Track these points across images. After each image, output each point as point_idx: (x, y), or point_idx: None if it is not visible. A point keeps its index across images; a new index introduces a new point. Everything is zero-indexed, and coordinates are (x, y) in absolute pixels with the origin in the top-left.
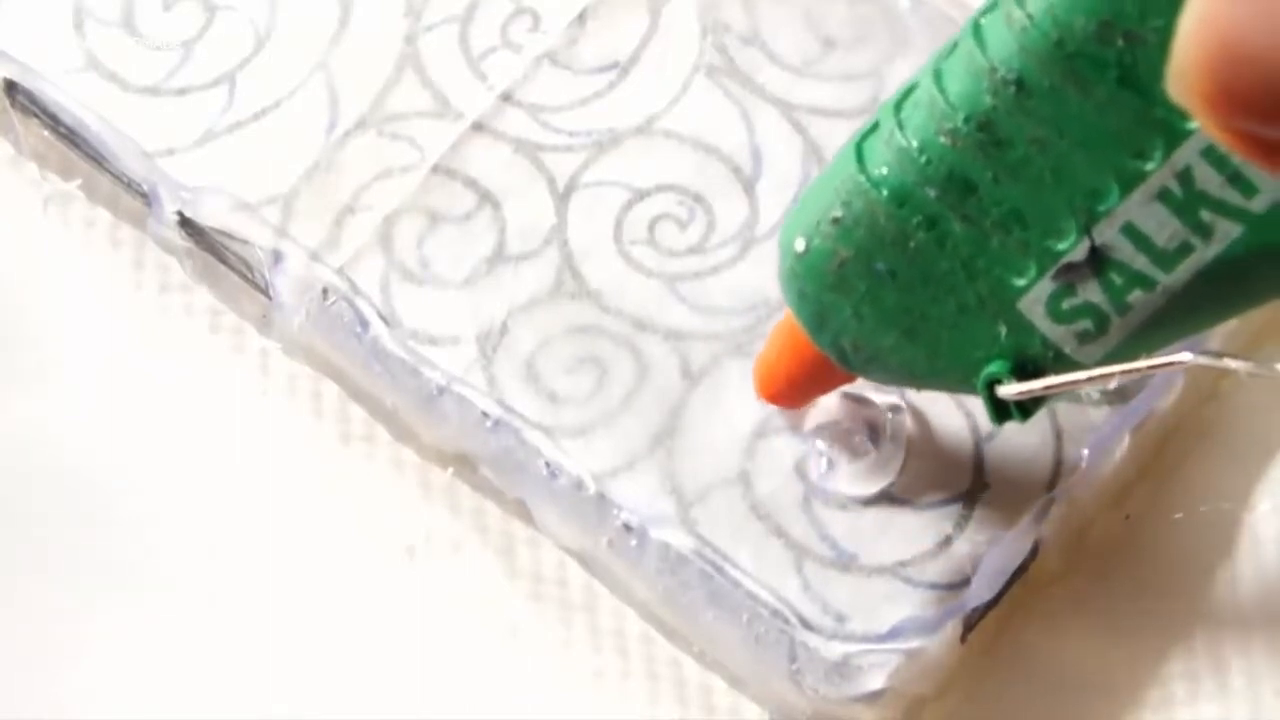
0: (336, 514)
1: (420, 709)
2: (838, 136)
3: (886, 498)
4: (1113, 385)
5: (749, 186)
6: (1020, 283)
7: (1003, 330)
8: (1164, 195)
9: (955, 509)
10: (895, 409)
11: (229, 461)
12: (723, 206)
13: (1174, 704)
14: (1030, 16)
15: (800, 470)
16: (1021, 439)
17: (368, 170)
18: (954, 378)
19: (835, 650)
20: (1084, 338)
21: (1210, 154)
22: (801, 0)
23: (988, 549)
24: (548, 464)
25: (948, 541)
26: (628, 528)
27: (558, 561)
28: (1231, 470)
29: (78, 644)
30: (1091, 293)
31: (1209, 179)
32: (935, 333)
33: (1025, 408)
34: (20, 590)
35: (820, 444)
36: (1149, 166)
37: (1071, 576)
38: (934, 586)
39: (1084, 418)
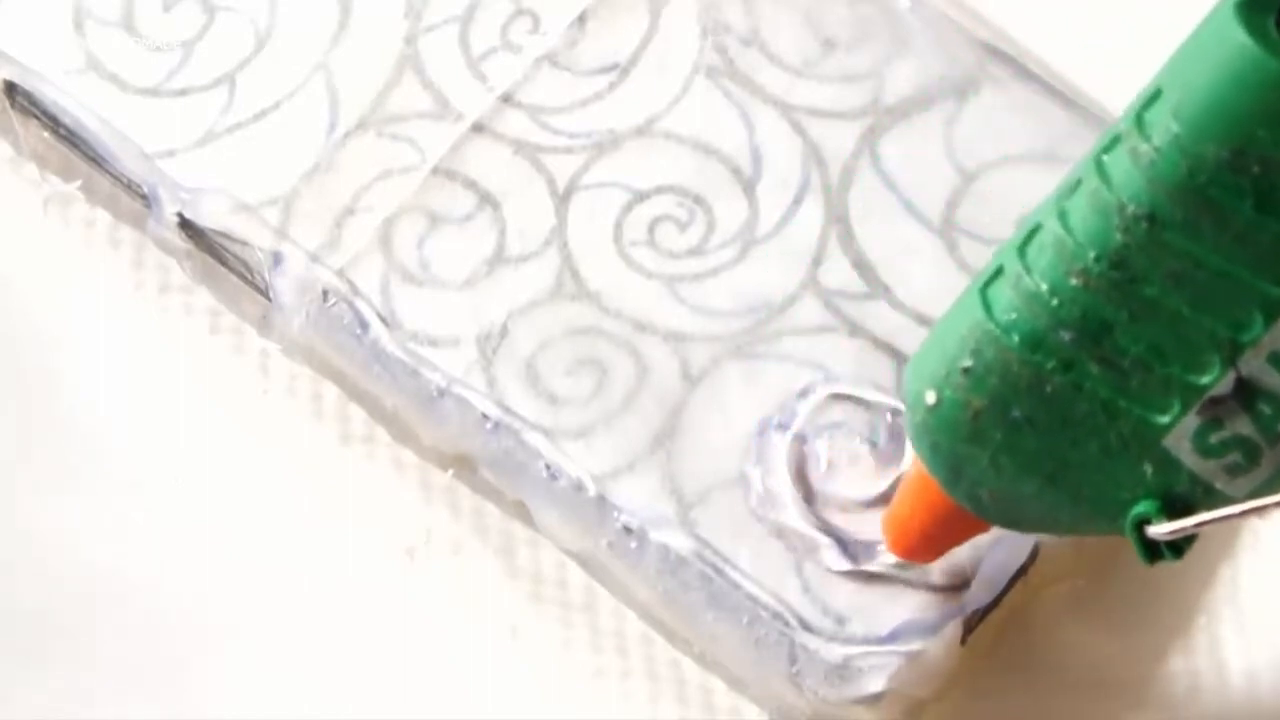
0: (337, 515)
1: (420, 709)
2: (837, 137)
3: (887, 500)
4: (1268, 517)
5: (749, 188)
6: (1164, 420)
7: (1148, 469)
8: None
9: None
10: (895, 411)
11: (229, 462)
12: (723, 208)
13: (1174, 703)
14: (1157, 149)
15: (800, 472)
16: None
17: (368, 171)
18: (1099, 521)
19: (835, 652)
20: (1234, 470)
21: None
22: (801, 1)
23: (988, 551)
24: (548, 465)
25: None
26: (628, 529)
27: (558, 562)
28: None
29: (72, 637)
30: (1240, 425)
31: None
32: (1078, 477)
33: (1177, 546)
34: (15, 594)
35: (820, 446)
36: None
37: (1072, 577)
38: (934, 589)
39: None
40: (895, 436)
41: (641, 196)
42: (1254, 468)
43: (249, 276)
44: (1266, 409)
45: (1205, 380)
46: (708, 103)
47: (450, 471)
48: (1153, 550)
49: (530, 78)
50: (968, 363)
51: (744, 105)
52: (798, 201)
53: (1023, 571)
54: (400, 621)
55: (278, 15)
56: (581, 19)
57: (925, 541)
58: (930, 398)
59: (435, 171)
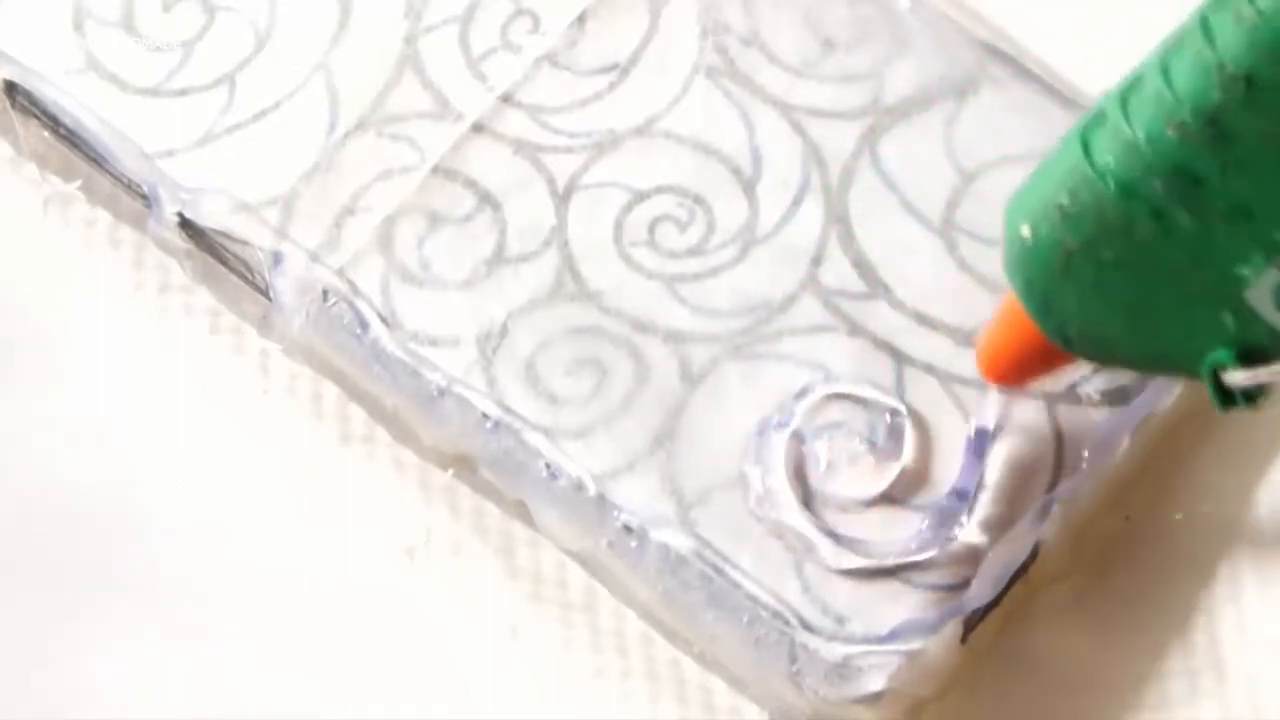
0: (337, 515)
1: (420, 709)
2: (837, 137)
3: (886, 499)
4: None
5: (749, 188)
6: (1247, 273)
7: (1229, 320)
8: None
9: (955, 510)
10: (894, 411)
11: (229, 462)
12: (722, 208)
13: (1173, 703)
14: (1261, 13)
15: (800, 472)
16: (1022, 440)
17: (368, 171)
18: (1178, 365)
19: (835, 651)
20: None
21: None
22: (801, 1)
23: (988, 550)
24: (548, 465)
25: (948, 543)
26: (628, 529)
27: (558, 562)
28: (1232, 470)
29: (76, 644)
30: None
31: None
32: (1160, 321)
33: (1251, 395)
34: (19, 591)
35: (820, 446)
36: None
37: (1072, 577)
38: (934, 588)
39: (1084, 418)
40: (894, 436)
41: (641, 196)
42: None
43: (249, 276)
44: None
45: None
46: (708, 103)
47: (450, 471)
48: (1227, 397)
49: (530, 78)
50: (1064, 202)
51: (744, 105)
52: (797, 201)
53: (1022, 571)
54: (400, 621)
55: (278, 15)
56: (581, 19)
57: (1016, 370)
58: (1026, 232)
59: (435, 171)
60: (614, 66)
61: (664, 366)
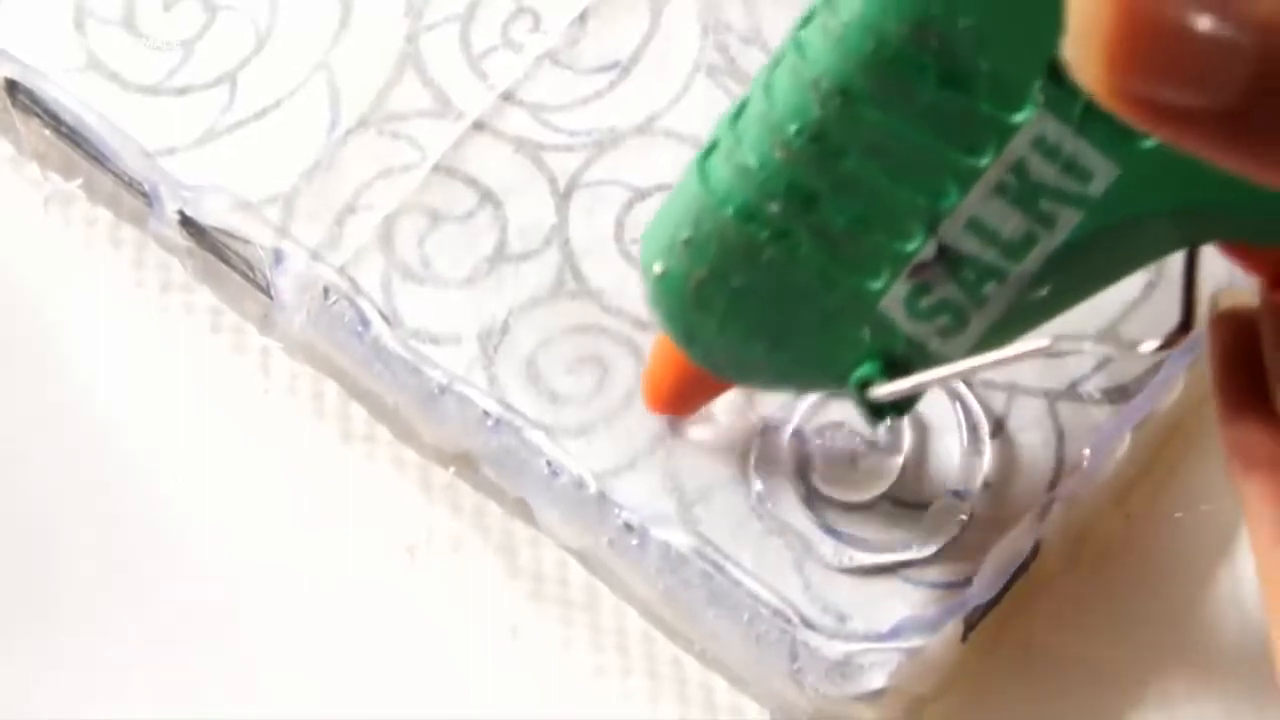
0: (338, 513)
1: (421, 707)
2: None
3: (887, 498)
4: (977, 376)
5: None
6: (876, 286)
7: (867, 333)
8: (1002, 189)
9: (956, 508)
10: None
11: (230, 460)
12: None
13: (1174, 701)
14: (845, 25)
15: (801, 471)
16: (1023, 439)
17: (369, 169)
18: (827, 381)
19: (836, 649)
20: (946, 333)
21: (1042, 145)
22: (802, 0)
23: (989, 548)
24: (549, 463)
25: (949, 541)
26: (629, 527)
27: (559, 560)
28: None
29: (75, 636)
30: (947, 289)
31: (1043, 170)
32: (801, 341)
33: (900, 405)
34: (22, 585)
35: (820, 445)
36: (983, 162)
37: (1072, 575)
38: (935, 585)
39: (1085, 417)
40: (894, 434)
41: (642, 194)
42: (964, 329)
43: (250, 274)
44: (970, 273)
45: (910, 247)
46: (708, 101)
47: (451, 469)
48: (876, 410)
49: (531, 76)
50: (687, 234)
51: None
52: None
53: (1023, 569)
54: (401, 619)
55: (278, 14)
56: (582, 17)
57: (677, 399)
58: (658, 268)
59: (436, 169)
60: (615, 65)
61: None
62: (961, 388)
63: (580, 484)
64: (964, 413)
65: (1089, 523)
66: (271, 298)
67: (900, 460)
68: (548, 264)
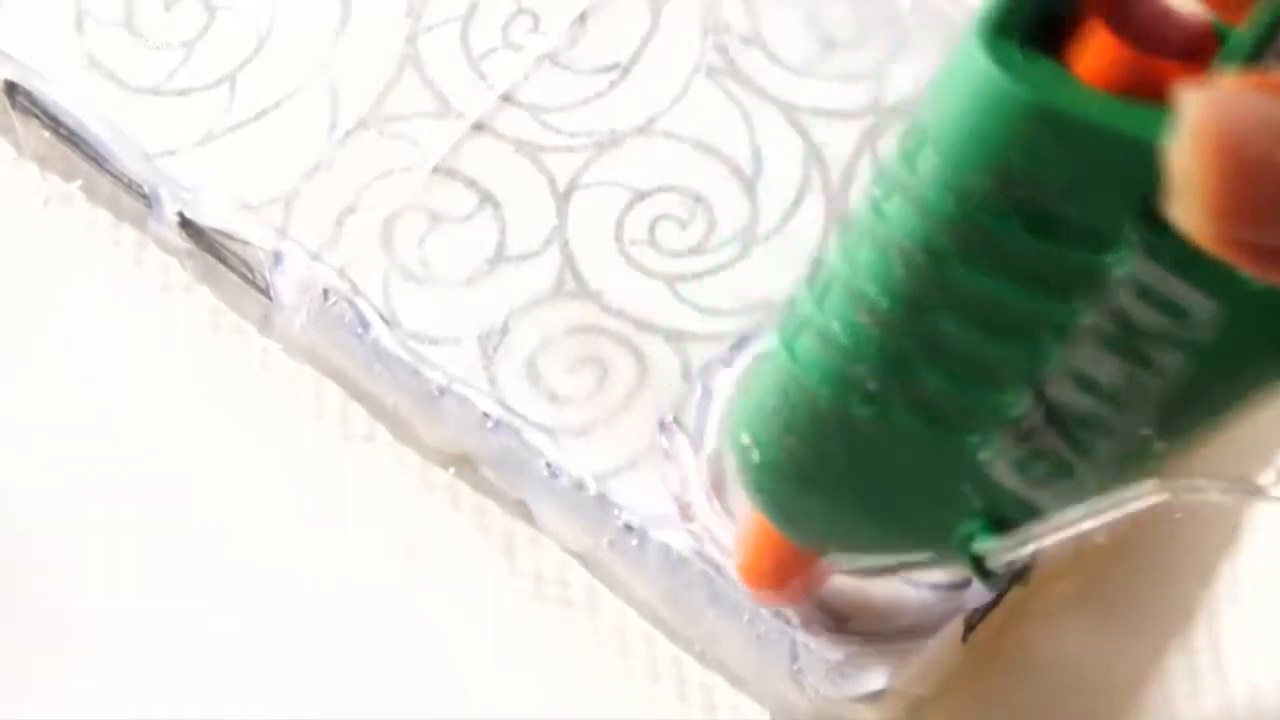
0: (337, 514)
1: (421, 708)
2: (838, 137)
3: None
4: (1089, 530)
5: (749, 187)
6: (977, 443)
7: (969, 490)
8: (1100, 336)
9: None
10: None
11: (229, 461)
12: (723, 207)
13: (1175, 702)
14: (924, 183)
15: None
16: None
17: (368, 170)
18: (933, 543)
19: (836, 650)
20: (1052, 486)
21: (1138, 288)
22: (802, 0)
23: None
24: (549, 464)
25: None
26: (629, 528)
27: (559, 561)
28: (1233, 471)
29: (76, 641)
30: (1049, 441)
31: (1141, 313)
32: (903, 506)
33: (1019, 573)
34: (21, 592)
35: None
36: (1078, 310)
37: (1073, 576)
38: (935, 587)
39: None
40: None
41: (642, 195)
42: (1069, 480)
43: (250, 276)
44: (1075, 427)
45: (1009, 401)
46: (709, 102)
47: (451, 470)
48: (985, 570)
49: (531, 77)
50: (776, 403)
51: (745, 105)
52: (799, 201)
53: (1024, 570)
54: (400, 620)
55: (278, 15)
56: (582, 18)
57: (776, 576)
58: (747, 440)
59: (436, 170)
60: (615, 65)
61: (665, 365)
62: None
63: (580, 485)
64: None
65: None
66: (271, 299)
67: None
68: (548, 265)
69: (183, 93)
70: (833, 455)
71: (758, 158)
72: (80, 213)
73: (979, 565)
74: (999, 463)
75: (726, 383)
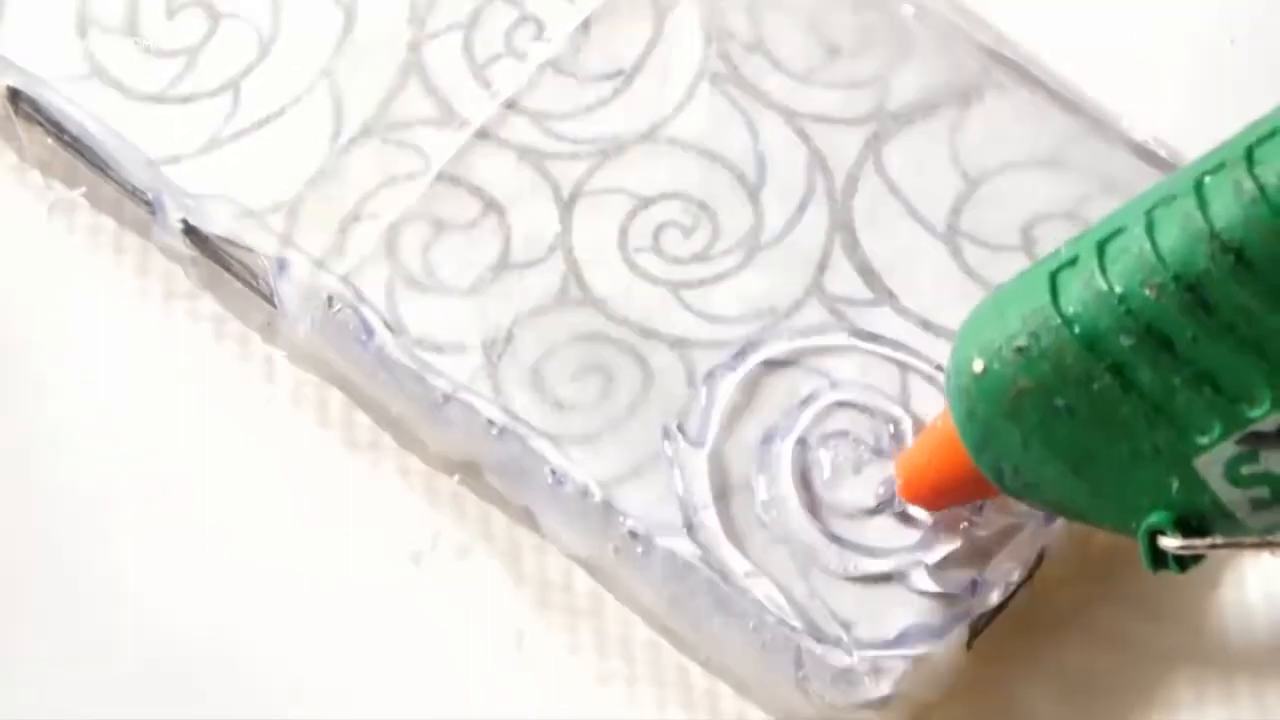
0: (342, 521)
1: (426, 714)
2: (842, 143)
3: (891, 506)
4: (1277, 555)
5: (753, 194)
6: (1202, 441)
7: (1174, 483)
8: None
9: (960, 516)
10: (899, 419)
11: (234, 469)
12: (727, 214)
13: (1180, 709)
14: (1262, 189)
15: (805, 479)
16: None
17: (372, 178)
18: (1112, 518)
19: (841, 657)
20: (1258, 504)
21: None
22: (806, 7)
23: (993, 555)
24: (553, 471)
25: (953, 548)
26: (634, 535)
27: (564, 568)
28: None
29: (78, 649)
30: (1275, 463)
31: None
32: (1103, 473)
33: (1183, 561)
34: (23, 600)
35: (824, 453)
36: None
37: (1078, 582)
38: (940, 593)
39: None
40: (899, 442)
41: (646, 202)
42: (1277, 505)
43: (254, 283)
44: None
45: (1253, 413)
46: (712, 109)
47: (456, 477)
48: (1159, 559)
49: (534, 84)
50: (1022, 342)
51: (748, 111)
52: (802, 208)
53: (1029, 576)
54: (405, 627)
55: (281, 22)
56: (585, 25)
57: (936, 495)
58: (978, 366)
59: (440, 178)
60: (618, 73)
61: (669, 372)
62: None
63: (585, 492)
64: None
65: (1094, 529)
66: (275, 306)
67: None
68: (552, 272)
69: (186, 100)
70: (1059, 407)
71: (761, 164)
72: (84, 220)
73: (1154, 554)
74: (1214, 462)
75: (730, 389)
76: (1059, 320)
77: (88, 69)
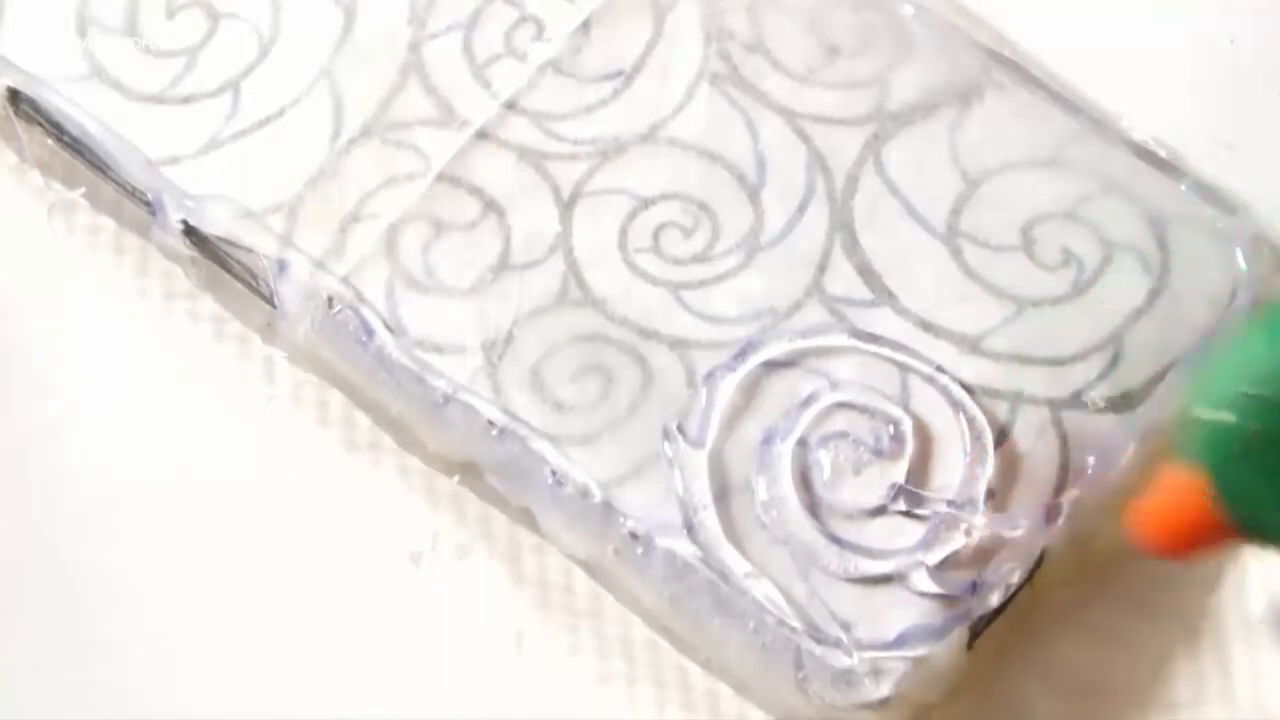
0: (342, 521)
1: (426, 714)
2: (842, 144)
3: (891, 506)
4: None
5: (753, 194)
6: None
7: None
8: None
9: (960, 516)
10: (899, 419)
11: (235, 469)
12: (727, 214)
13: (1179, 707)
14: None
15: (805, 480)
16: (1027, 446)
17: (372, 178)
18: None
19: (841, 658)
20: None
21: None
22: (805, 8)
23: (994, 556)
24: (553, 472)
25: (954, 549)
26: (634, 535)
27: (564, 568)
28: None
29: (81, 652)
30: None
31: None
32: None
33: None
34: (24, 600)
35: (825, 454)
36: None
37: (1077, 583)
38: (940, 594)
39: (1090, 425)
40: (899, 443)
41: (646, 203)
42: None
43: (254, 283)
44: None
45: None
46: (712, 109)
47: (456, 478)
48: None
49: (534, 84)
50: (1254, 390)
51: (748, 112)
52: (802, 208)
53: (1028, 577)
54: (405, 627)
55: (281, 22)
56: (585, 26)
57: (1181, 541)
58: (1220, 416)
59: (440, 178)
60: (618, 73)
61: (669, 373)
62: (964, 396)
63: (585, 493)
64: (968, 421)
65: (1094, 531)
66: (275, 307)
67: (904, 469)
68: (552, 273)
69: (186, 100)
70: None
71: (761, 165)
72: (84, 220)
73: None
74: None
75: (730, 390)
76: None
77: (88, 69)
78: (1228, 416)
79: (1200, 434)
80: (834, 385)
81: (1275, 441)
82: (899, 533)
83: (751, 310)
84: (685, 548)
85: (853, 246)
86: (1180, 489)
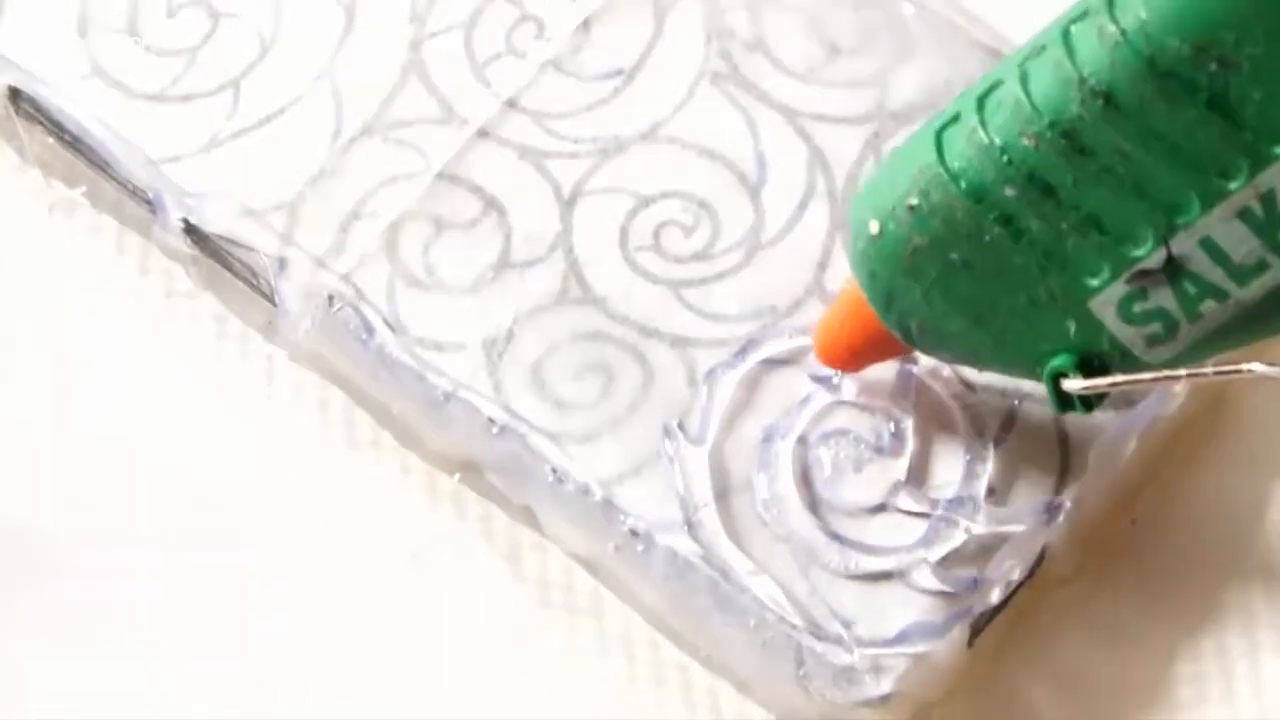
0: (343, 519)
1: (426, 713)
2: (842, 142)
3: (891, 504)
4: (1177, 387)
5: (754, 193)
6: (1093, 283)
7: (1072, 326)
8: (1245, 214)
9: (961, 514)
10: (899, 418)
11: (235, 467)
12: (728, 213)
13: (1180, 707)
14: (1124, 32)
15: (806, 478)
16: (1028, 444)
17: (373, 177)
18: (1017, 366)
19: (842, 655)
20: (1152, 340)
21: None
22: (806, 7)
23: (994, 553)
24: (554, 470)
25: (954, 546)
26: (634, 533)
27: (565, 567)
28: (1237, 474)
29: (82, 645)
30: (1164, 299)
31: None
32: (1004, 322)
33: (1088, 401)
34: (24, 597)
35: (824, 452)
36: (1232, 186)
37: (1078, 580)
38: (941, 591)
39: (1090, 423)
40: (899, 441)
41: (647, 201)
42: (1171, 340)
43: (254, 282)
44: (1191, 288)
45: (1138, 253)
46: (713, 108)
47: (456, 476)
48: (1065, 401)
49: (535, 83)
50: (914, 201)
51: (749, 110)
52: (803, 206)
53: (1029, 574)
54: (406, 626)
55: (282, 21)
56: (586, 24)
57: (852, 356)
58: (874, 228)
59: (440, 177)
60: (619, 72)
61: (670, 371)
62: (965, 392)
63: (586, 491)
64: (968, 418)
65: (1094, 528)
66: (276, 305)
67: (905, 466)
68: (552, 271)
69: (186, 99)
70: (954, 260)
71: (762, 163)
72: (84, 219)
73: (1059, 396)
74: (1108, 303)
75: (731, 388)
76: (946, 176)
77: (88, 68)
78: (877, 228)
79: (858, 245)
80: (834, 383)
81: (934, 252)
82: (900, 530)
83: (752, 308)
84: (686, 545)
85: None
86: (851, 302)
